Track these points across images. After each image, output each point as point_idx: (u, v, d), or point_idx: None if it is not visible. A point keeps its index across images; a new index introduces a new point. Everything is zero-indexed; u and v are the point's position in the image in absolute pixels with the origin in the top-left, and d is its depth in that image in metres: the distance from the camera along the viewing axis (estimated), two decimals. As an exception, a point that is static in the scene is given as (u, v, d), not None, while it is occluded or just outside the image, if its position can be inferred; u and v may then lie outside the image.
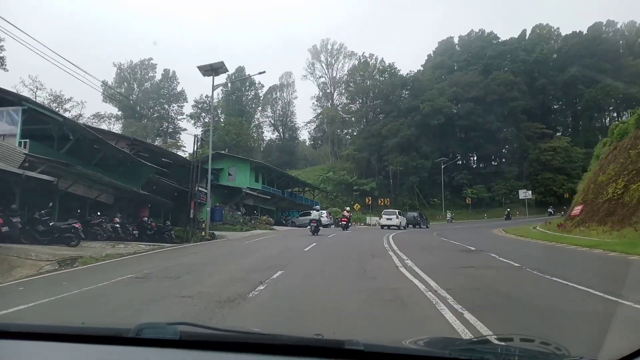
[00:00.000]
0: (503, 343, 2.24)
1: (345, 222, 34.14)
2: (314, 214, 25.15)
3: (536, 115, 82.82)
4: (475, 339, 2.40)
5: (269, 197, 41.97)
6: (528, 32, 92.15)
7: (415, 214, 48.90)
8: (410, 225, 43.93)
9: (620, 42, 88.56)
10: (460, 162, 78.72)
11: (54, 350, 1.90)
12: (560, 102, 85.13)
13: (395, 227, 37.97)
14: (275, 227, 36.77)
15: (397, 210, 43.65)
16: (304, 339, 1.95)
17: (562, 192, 75.15)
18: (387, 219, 39.74)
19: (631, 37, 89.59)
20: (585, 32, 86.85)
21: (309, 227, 24.12)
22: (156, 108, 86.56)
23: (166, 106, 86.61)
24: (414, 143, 73.91)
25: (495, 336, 2.56)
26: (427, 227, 45.32)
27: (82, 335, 1.97)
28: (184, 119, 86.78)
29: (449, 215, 64.25)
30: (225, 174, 40.86)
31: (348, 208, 40.66)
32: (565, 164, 77.10)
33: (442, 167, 70.61)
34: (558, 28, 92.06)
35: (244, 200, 37.05)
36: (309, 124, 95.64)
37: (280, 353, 1.77)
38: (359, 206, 54.01)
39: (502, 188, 74.93)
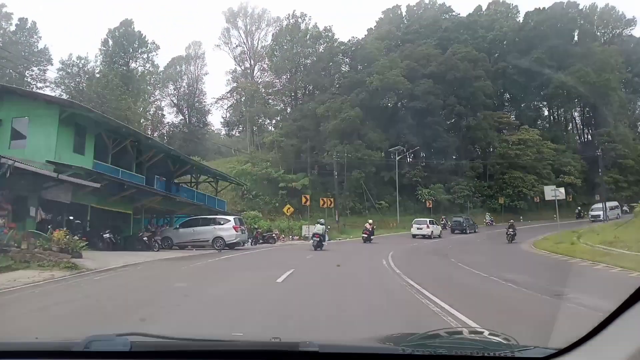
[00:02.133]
0: (453, 336, 2.21)
1: (367, 235, 31.86)
2: (318, 228, 22.92)
3: (495, 103, 69.16)
4: (426, 334, 2.00)
5: (122, 189, 20.39)
6: (484, 8, 78.89)
7: (460, 218, 46.51)
8: (457, 231, 43.89)
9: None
10: (414, 156, 62.68)
11: None
12: (524, 89, 72.02)
13: (428, 237, 36.78)
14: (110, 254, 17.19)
15: (427, 220, 40.55)
16: (259, 342, 2.06)
17: (532, 196, 61.63)
18: (418, 228, 38.42)
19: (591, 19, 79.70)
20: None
21: (311, 241, 22.28)
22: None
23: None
24: (358, 128, 56.62)
25: (445, 330, 2.33)
26: (475, 231, 44.76)
27: (32, 351, 1.92)
28: (46, 87, 62.81)
29: (488, 217, 55.20)
30: (5, 131, 20.18)
31: (370, 221, 35.60)
32: (536, 162, 63.80)
33: (397, 159, 53.90)
34: (516, 6, 79.69)
35: (45, 191, 16.17)
36: (220, 101, 75.18)
37: (237, 358, 1.73)
38: (292, 209, 35.52)
39: (464, 189, 59.80)
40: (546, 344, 1.74)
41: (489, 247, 27.97)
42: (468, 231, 44.02)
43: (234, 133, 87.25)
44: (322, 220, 25.63)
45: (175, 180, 29.25)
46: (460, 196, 59.37)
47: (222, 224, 23.13)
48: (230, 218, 23.99)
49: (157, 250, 20.73)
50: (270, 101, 72.80)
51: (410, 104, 59.27)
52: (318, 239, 22.58)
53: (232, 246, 23.73)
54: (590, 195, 69.02)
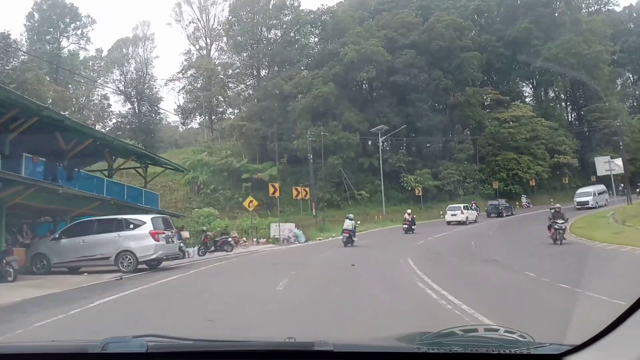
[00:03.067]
0: (468, 334, 2.19)
1: (407, 225, 29.98)
2: (347, 223, 22.13)
3: (485, 78, 62.53)
4: (441, 332, 1.95)
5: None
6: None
7: (496, 202, 44.92)
8: (493, 215, 42.40)
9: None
10: (396, 138, 55.26)
11: None
12: (510, 64, 65.53)
13: (463, 223, 35.53)
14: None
15: (461, 205, 39.42)
16: (274, 342, 2.01)
17: (528, 178, 55.23)
18: (452, 214, 37.25)
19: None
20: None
21: (341, 237, 21.84)
22: None
23: None
24: (332, 107, 48.76)
25: (460, 327, 2.23)
26: (512, 214, 43.53)
27: (49, 353, 1.93)
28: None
29: (524, 200, 52.38)
30: None
31: (409, 210, 33.83)
32: (529, 142, 57.43)
33: (381, 140, 46.39)
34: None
35: None
36: (173, 86, 65.80)
37: (252, 358, 1.75)
38: (255, 203, 27.36)
39: (454, 174, 52.82)
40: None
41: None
42: (505, 214, 42.58)
43: (190, 123, 78.29)
44: (351, 215, 23.99)
45: (89, 167, 20.75)
46: (450, 182, 52.39)
47: (133, 229, 14.71)
48: (147, 219, 15.16)
49: (13, 281, 12.45)
50: (230, 84, 64.24)
51: (391, 79, 51.74)
52: (348, 235, 22.06)
53: (152, 264, 15.51)
54: (585, 177, 63.46)
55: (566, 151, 60.05)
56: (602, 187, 48.08)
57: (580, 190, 46.37)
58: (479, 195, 54.33)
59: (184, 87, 63.61)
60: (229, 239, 22.67)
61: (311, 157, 39.87)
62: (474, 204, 43.36)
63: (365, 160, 53.81)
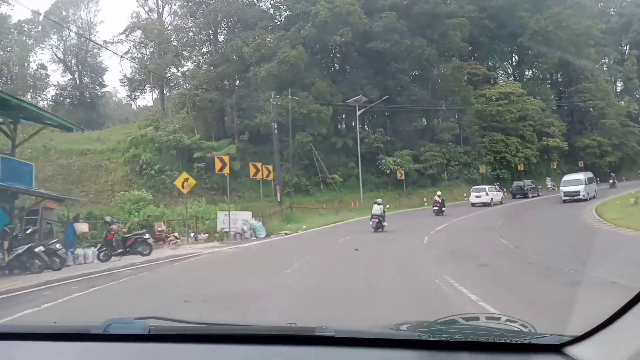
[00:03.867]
0: (470, 322, 2.20)
1: (437, 207, 29.81)
2: (376, 208, 21.50)
3: (475, 52, 56.86)
4: (442, 320, 2.02)
5: None
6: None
7: (522, 182, 43.95)
8: (519, 196, 41.48)
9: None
10: (374, 116, 48.96)
11: (24, 349, 1.84)
12: (495, 38, 59.86)
13: (488, 204, 35.16)
14: None
15: (486, 187, 37.81)
16: (275, 327, 2.01)
17: (517, 162, 49.97)
18: (477, 196, 36.55)
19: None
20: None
21: (370, 222, 21.00)
22: None
23: None
24: (302, 76, 41.78)
25: (462, 315, 2.20)
26: (539, 195, 42.40)
27: (52, 333, 1.95)
28: None
29: (549, 182, 48.17)
30: None
31: (439, 192, 32.73)
32: (516, 123, 52.13)
33: (358, 114, 39.82)
34: None
35: None
36: (114, 45, 56.67)
37: (252, 342, 1.76)
38: (192, 182, 20.05)
39: (437, 156, 46.93)
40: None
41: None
42: (530, 195, 41.76)
43: (139, 97, 69.94)
44: (379, 200, 23.25)
45: None
46: (433, 165, 46.48)
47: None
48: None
49: None
50: (185, 54, 56.15)
51: (369, 45, 45.05)
52: (377, 220, 21.36)
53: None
54: (571, 163, 58.98)
55: (555, 133, 55.15)
56: (590, 174, 42.42)
57: (567, 178, 36.13)
58: (463, 180, 48.74)
59: (128, 52, 55.00)
60: (146, 236, 15.47)
61: (275, 127, 32.99)
62: (497, 185, 41.01)
63: (338, 139, 47.22)
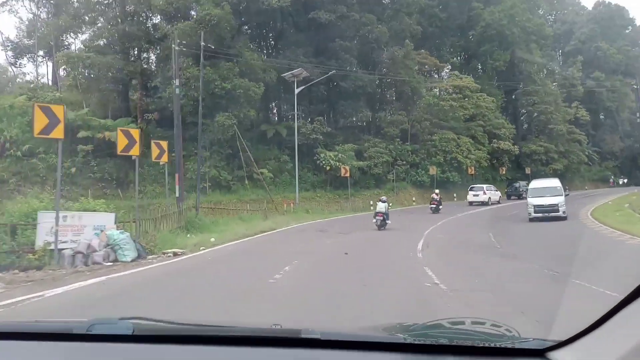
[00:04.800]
0: (455, 326, 2.22)
1: (435, 205, 30.14)
2: (380, 206, 20.71)
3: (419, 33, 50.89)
4: (428, 323, 2.06)
5: None
6: None
7: (517, 184, 44.26)
8: (514, 197, 41.82)
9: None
10: (313, 103, 41.57)
11: (3, 348, 1.78)
12: (445, 29, 54.49)
13: (485, 203, 35.51)
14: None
15: (484, 186, 38.31)
16: (260, 329, 1.97)
17: (468, 165, 44.73)
18: (474, 195, 36.66)
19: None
20: None
21: (374, 220, 20.36)
22: None
23: None
24: (227, 43, 33.47)
25: (447, 320, 2.29)
26: None
27: (33, 332, 1.92)
28: None
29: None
30: None
31: (437, 190, 32.65)
32: (469, 122, 47.06)
33: (297, 92, 32.25)
34: None
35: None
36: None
37: (237, 344, 1.74)
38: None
39: (383, 153, 40.43)
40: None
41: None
42: (524, 195, 42.88)
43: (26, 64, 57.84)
44: (384, 198, 21.91)
45: None
46: (378, 163, 39.86)
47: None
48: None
49: None
50: (86, 17, 45.70)
51: (311, 15, 37.59)
52: (382, 218, 20.40)
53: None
54: (515, 169, 55.16)
55: (506, 136, 50.73)
56: (491, 187, 39.48)
57: (537, 184, 24.78)
58: (410, 182, 42.64)
59: (5, 2, 43.77)
60: None
61: (180, 94, 24.57)
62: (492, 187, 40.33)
63: (269, 127, 39.45)
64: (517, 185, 44.25)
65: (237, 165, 35.46)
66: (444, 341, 1.70)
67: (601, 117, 71.21)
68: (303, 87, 32.99)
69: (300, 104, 40.50)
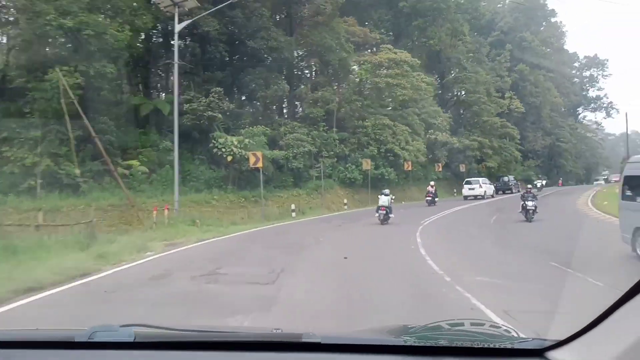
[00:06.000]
0: (455, 328, 2.21)
1: (431, 198, 29.99)
2: (383, 200, 19.88)
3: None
4: (428, 325, 2.03)
5: None
6: None
7: (506, 178, 46.01)
8: (501, 192, 42.33)
9: None
10: (209, 70, 30.26)
11: (6, 357, 1.76)
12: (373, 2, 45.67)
13: (480, 197, 35.29)
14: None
15: (480, 179, 38.18)
16: (261, 334, 2.03)
17: (405, 159, 36.30)
18: (470, 189, 36.08)
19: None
20: None
21: (377, 214, 19.56)
22: None
23: None
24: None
25: (447, 321, 2.28)
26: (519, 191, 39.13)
27: (34, 341, 1.91)
28: None
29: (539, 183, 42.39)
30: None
31: (432, 182, 32.39)
32: (402, 109, 38.71)
33: (177, 29, 21.07)
34: None
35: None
36: None
37: (239, 349, 1.75)
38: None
39: (304, 141, 30.40)
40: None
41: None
42: (514, 190, 43.21)
43: None
44: (386, 191, 20.99)
45: None
46: (298, 154, 29.77)
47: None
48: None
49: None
50: None
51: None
52: (384, 212, 19.60)
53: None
54: (448, 167, 48.13)
55: (443, 126, 43.21)
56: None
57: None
58: (339, 180, 33.08)
59: None
60: None
61: None
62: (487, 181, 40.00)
63: (144, 102, 27.99)
64: (506, 179, 45.31)
65: (90, 155, 23.49)
66: (443, 343, 1.70)
67: (523, 112, 67.01)
68: (189, 20, 21.66)
69: (191, 72, 29.34)
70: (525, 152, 65.56)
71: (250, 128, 27.44)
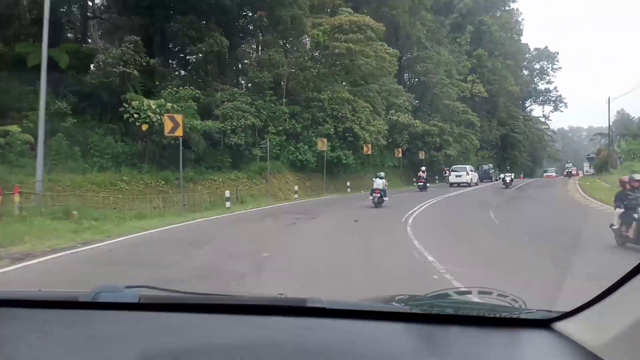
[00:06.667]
0: (462, 296, 2.25)
1: (422, 183, 30.04)
2: (377, 182, 19.87)
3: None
4: (434, 293, 2.06)
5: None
6: None
7: (486, 166, 47.80)
8: (486, 180, 43.42)
9: None
10: (124, 15, 23.50)
11: (7, 316, 1.74)
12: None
13: (466, 184, 34.88)
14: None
15: (467, 166, 37.84)
16: (266, 298, 1.99)
17: (366, 140, 31.26)
18: (457, 176, 35.83)
19: None
20: None
21: (371, 197, 19.48)
22: None
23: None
24: None
25: (454, 289, 2.50)
26: (496, 179, 44.29)
27: (37, 300, 1.88)
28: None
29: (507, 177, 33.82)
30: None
31: (423, 168, 32.19)
32: (365, 84, 33.44)
33: None
34: None
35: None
36: None
37: (243, 313, 1.73)
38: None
39: (247, 112, 24.34)
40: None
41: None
42: (494, 179, 44.44)
43: None
44: (382, 174, 20.60)
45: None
46: (238, 127, 23.68)
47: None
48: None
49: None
50: None
51: None
52: (379, 195, 19.45)
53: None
54: (407, 153, 43.54)
55: (407, 107, 38.38)
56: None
57: None
58: (288, 163, 27.31)
59: None
60: None
61: None
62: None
63: (31, 50, 21.04)
64: (486, 167, 46.12)
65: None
66: (450, 311, 1.71)
67: (487, 97, 63.57)
68: None
69: (100, 16, 22.49)
70: (480, 142, 62.60)
71: (175, 89, 21.02)
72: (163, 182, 20.78)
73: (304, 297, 1.74)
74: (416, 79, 48.88)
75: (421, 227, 11.92)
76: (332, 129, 28.96)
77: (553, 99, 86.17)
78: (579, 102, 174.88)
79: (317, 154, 27.36)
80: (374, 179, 20.63)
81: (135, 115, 19.69)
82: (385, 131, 34.06)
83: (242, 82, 27.36)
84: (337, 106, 29.23)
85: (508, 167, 66.85)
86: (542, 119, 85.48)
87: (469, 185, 35.14)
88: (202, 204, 19.10)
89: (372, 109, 32.05)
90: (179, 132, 15.71)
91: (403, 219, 13.76)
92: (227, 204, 17.47)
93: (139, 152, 21.57)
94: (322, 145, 26.71)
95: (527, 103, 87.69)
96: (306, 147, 27.51)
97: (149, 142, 21.17)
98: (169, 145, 21.39)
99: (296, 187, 24.43)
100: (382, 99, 35.14)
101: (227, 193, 18.06)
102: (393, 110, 36.91)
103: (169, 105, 20.06)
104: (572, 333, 1.50)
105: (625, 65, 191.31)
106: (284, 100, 27.36)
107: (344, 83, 31.86)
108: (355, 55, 29.14)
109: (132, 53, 21.35)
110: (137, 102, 20.02)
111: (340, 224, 13.52)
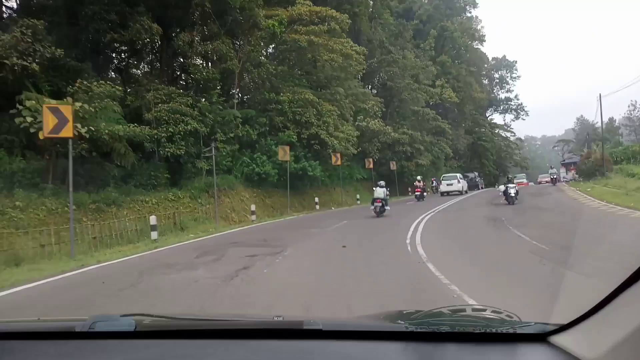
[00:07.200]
0: (456, 314, 2.17)
1: (420, 193, 29.92)
2: (378, 191, 19.79)
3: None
4: (430, 312, 2.00)
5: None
6: None
7: (472, 175, 46.15)
8: (473, 189, 41.82)
9: None
10: None
11: (7, 349, 1.70)
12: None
13: (457, 193, 33.81)
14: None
15: (457, 175, 36.97)
16: (263, 322, 1.98)
17: (335, 149, 26.97)
18: (448, 184, 34.60)
19: None
20: None
21: (372, 207, 19.54)
22: None
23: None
24: None
25: (448, 308, 2.22)
26: (483, 187, 45.28)
27: (34, 332, 1.89)
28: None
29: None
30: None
31: (419, 177, 32.43)
32: (328, 87, 29.19)
33: None
34: None
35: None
36: None
37: (240, 337, 1.73)
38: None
39: (188, 116, 19.47)
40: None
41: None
42: (480, 187, 43.89)
43: None
44: (382, 183, 20.79)
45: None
46: (177, 134, 18.80)
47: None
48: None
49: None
50: None
51: None
52: (380, 204, 19.53)
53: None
54: (377, 163, 39.46)
55: (374, 112, 34.35)
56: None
57: None
58: (242, 177, 22.46)
59: None
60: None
61: None
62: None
63: None
64: (472, 176, 44.94)
65: None
66: (445, 329, 1.67)
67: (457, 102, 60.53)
68: None
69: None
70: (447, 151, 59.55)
71: (87, 83, 15.99)
72: (75, 207, 15.59)
73: (301, 319, 1.73)
74: (381, 85, 45.14)
75: (438, 256, 7.45)
76: (294, 136, 24.41)
77: (514, 107, 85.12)
78: (531, 111, 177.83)
79: (279, 166, 22.71)
80: (374, 188, 20.33)
81: (29, 120, 14.56)
82: (355, 138, 29.84)
83: (182, 81, 22.51)
84: (299, 109, 24.74)
85: (478, 175, 64.25)
86: (506, 127, 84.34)
87: (460, 193, 33.97)
88: (125, 234, 14.05)
89: (339, 113, 27.73)
90: (66, 133, 10.73)
91: (408, 240, 9.26)
92: (153, 234, 12.53)
93: (43, 169, 16.32)
94: (284, 154, 22.07)
95: (488, 112, 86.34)
96: (264, 157, 22.79)
97: (54, 155, 15.98)
98: (87, 160, 16.38)
99: (253, 207, 19.63)
100: (349, 103, 30.96)
101: (153, 219, 13.08)
102: (362, 116, 32.78)
103: (77, 105, 15.00)
104: (569, 346, 1.46)
105: (577, 71, 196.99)
106: (235, 102, 22.68)
107: (306, 82, 27.44)
108: (318, 49, 24.85)
109: (29, 41, 16.26)
110: (33, 101, 14.89)
111: (324, 262, 8.88)
